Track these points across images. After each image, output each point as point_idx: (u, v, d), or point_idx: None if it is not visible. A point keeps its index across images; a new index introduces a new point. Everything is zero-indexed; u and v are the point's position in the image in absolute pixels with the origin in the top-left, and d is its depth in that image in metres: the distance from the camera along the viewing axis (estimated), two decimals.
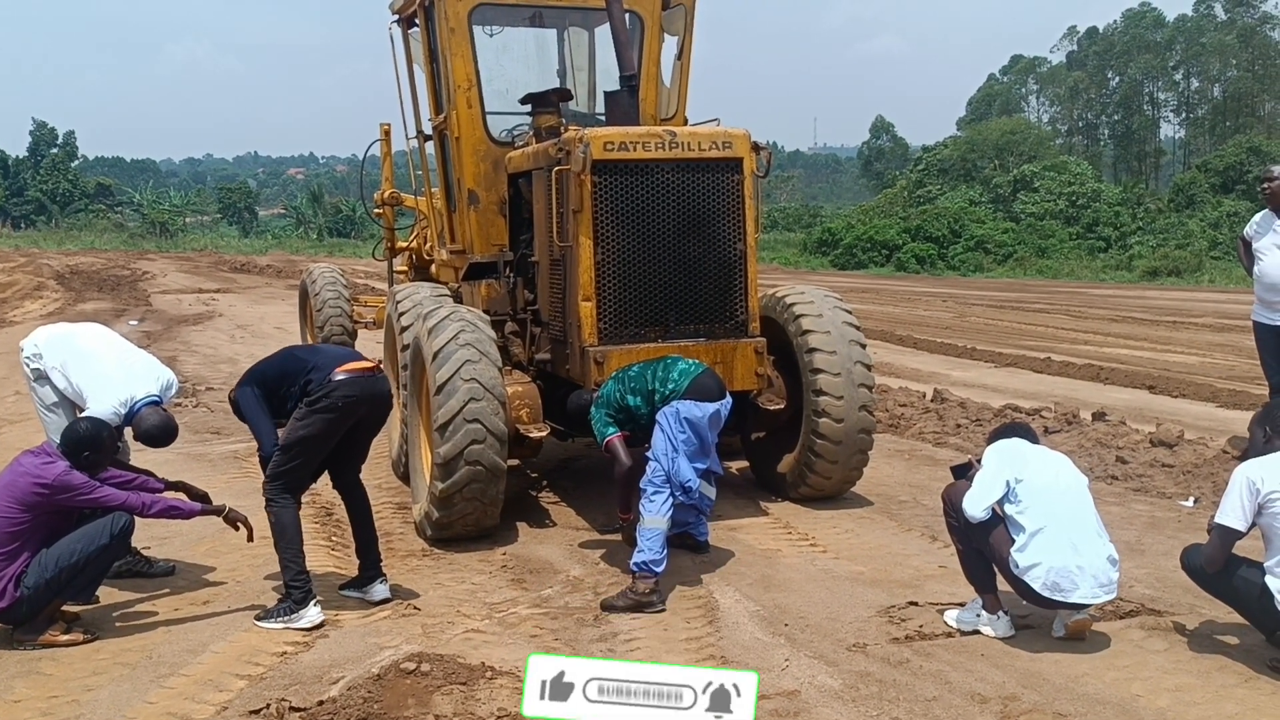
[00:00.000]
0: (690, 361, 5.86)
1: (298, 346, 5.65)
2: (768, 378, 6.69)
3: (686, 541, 6.17)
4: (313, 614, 5.12)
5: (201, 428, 10.19)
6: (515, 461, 7.67)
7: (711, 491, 5.92)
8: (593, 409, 5.83)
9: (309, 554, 5.31)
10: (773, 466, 7.36)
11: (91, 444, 5.12)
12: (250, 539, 5.31)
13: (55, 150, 77.89)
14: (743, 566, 5.97)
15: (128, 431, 5.67)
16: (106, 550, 5.08)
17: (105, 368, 5.63)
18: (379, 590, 5.45)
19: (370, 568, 5.51)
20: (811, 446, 6.84)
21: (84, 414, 5.47)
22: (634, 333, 6.34)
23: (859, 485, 7.31)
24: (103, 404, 5.48)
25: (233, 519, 5.31)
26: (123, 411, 5.51)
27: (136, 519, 5.17)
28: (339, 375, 5.12)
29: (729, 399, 5.73)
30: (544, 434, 6.48)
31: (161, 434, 5.56)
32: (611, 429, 5.69)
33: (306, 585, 5.14)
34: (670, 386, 5.63)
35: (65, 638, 4.99)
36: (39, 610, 4.97)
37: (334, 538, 6.47)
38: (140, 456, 6.17)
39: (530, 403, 6.59)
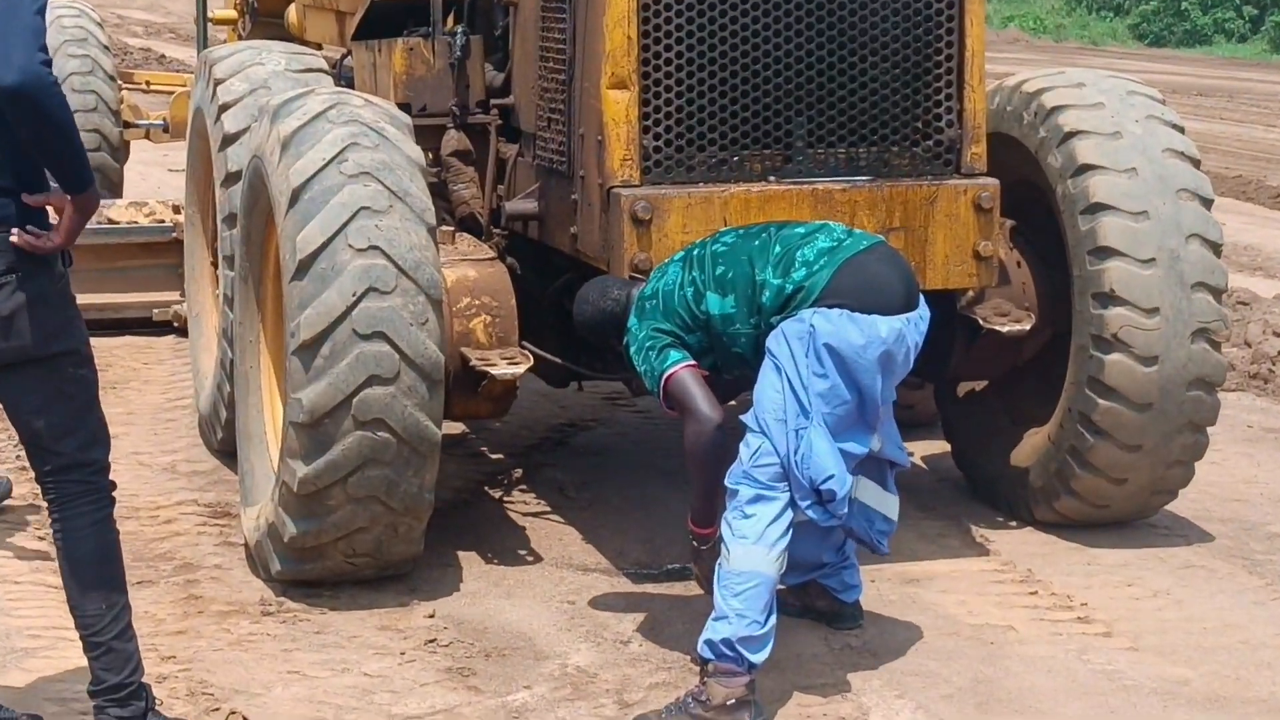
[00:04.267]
0: (839, 228, 5.87)
1: None
2: (999, 264, 6.70)
3: (817, 603, 6.23)
4: None
5: None
6: (460, 426, 7.73)
7: (890, 504, 5.94)
8: (631, 318, 5.85)
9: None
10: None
11: None
12: None
13: None
14: (935, 658, 6.00)
15: None
16: None
17: None
18: None
19: (100, 681, 5.09)
20: (1088, 413, 6.83)
21: None
22: (719, 160, 6.39)
23: (1183, 497, 7.33)
24: None
25: None
26: None
27: None
28: None
29: (924, 309, 5.71)
30: (520, 370, 6.55)
31: None
32: (676, 355, 5.68)
33: None
34: (799, 277, 5.59)
35: None
36: None
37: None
38: None
39: (495, 304, 6.67)
